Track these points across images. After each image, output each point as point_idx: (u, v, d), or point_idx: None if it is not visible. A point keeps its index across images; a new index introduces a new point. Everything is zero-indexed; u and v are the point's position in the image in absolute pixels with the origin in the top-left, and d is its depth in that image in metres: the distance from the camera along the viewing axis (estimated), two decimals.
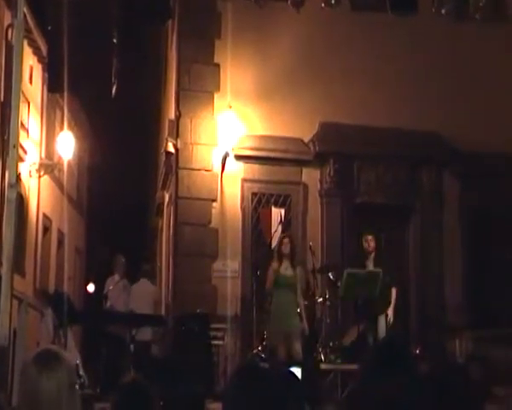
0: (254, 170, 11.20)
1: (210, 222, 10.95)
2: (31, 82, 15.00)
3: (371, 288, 8.70)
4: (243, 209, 11.08)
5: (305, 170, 11.32)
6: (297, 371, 6.25)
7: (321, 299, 9.52)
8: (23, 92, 10.82)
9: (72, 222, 19.62)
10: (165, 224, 13.73)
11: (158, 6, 9.01)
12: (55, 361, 2.55)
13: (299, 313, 8.88)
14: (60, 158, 15.54)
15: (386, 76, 11.42)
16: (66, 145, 14.78)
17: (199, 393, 7.90)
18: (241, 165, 11.14)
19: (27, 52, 14.04)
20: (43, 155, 15.95)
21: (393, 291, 9.09)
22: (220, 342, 9.59)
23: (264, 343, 9.22)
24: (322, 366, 8.82)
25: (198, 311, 9.60)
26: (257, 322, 9.51)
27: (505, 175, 11.42)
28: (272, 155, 11.13)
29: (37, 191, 15.65)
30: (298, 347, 8.56)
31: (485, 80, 11.62)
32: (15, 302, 9.69)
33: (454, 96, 11.56)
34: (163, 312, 12.43)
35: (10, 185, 4.48)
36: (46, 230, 16.93)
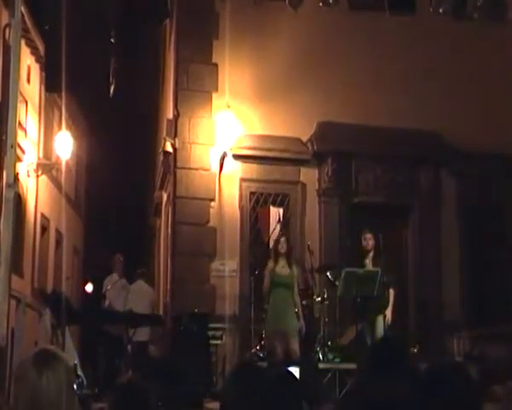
0: (252, 169, 11.20)
1: (208, 222, 10.95)
2: (28, 82, 14.99)
3: (370, 287, 8.70)
4: (241, 209, 11.08)
5: (303, 169, 11.32)
6: (295, 370, 6.25)
7: (319, 298, 9.53)
8: (21, 92, 10.81)
9: (70, 222, 19.60)
10: (164, 223, 13.73)
11: (156, 6, 9.00)
12: (53, 361, 2.55)
13: (297, 312, 8.87)
14: (58, 158, 15.53)
15: (385, 75, 11.42)
16: (64, 145, 14.77)
17: (197, 392, 7.91)
18: (239, 164, 11.14)
19: (25, 52, 14.03)
20: (41, 155, 15.95)
21: (392, 292, 9.09)
22: (218, 342, 9.59)
23: (262, 343, 9.22)
24: (321, 366, 8.83)
25: (196, 310, 9.60)
26: (255, 321, 9.51)
27: (503, 175, 11.44)
28: (270, 154, 11.13)
29: (35, 191, 15.64)
30: (295, 346, 8.56)
31: (483, 80, 11.63)
32: (13, 302, 9.70)
33: (452, 96, 11.56)
34: (161, 312, 12.43)
35: (8, 185, 4.48)
36: (44, 230, 16.92)
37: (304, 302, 9.29)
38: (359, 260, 9.27)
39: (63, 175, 16.98)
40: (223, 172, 11.02)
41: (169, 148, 11.50)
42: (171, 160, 11.44)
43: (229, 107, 10.93)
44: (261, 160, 11.16)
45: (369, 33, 11.40)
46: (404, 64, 11.50)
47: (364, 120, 11.11)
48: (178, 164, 11.13)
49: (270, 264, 8.93)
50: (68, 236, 18.76)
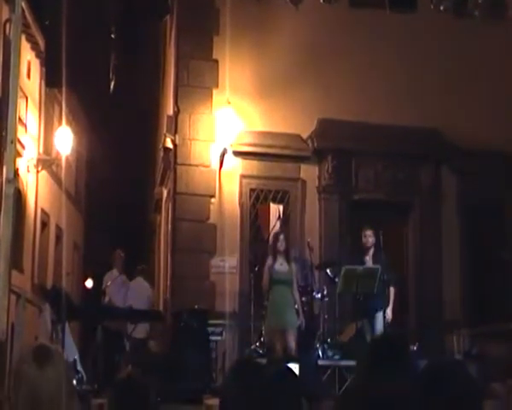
0: (253, 166, 11.20)
1: (208, 218, 10.94)
2: (29, 77, 14.98)
3: (369, 284, 8.70)
4: (241, 205, 11.07)
5: (303, 166, 11.32)
6: (294, 367, 6.25)
7: (319, 295, 9.53)
8: (21, 87, 10.80)
9: (71, 218, 19.61)
10: (164, 220, 13.73)
11: (156, 2, 8.99)
12: (52, 356, 2.55)
13: (297, 309, 8.88)
14: (58, 153, 15.52)
15: (385, 73, 11.41)
16: (65, 140, 14.76)
17: (197, 388, 7.92)
18: (239, 161, 11.13)
19: (25, 47, 14.02)
20: (41, 151, 15.94)
21: (392, 291, 9.10)
22: (218, 338, 9.59)
23: (261, 339, 9.23)
24: (320, 362, 8.84)
25: (196, 307, 9.60)
26: (255, 318, 9.52)
27: (503, 173, 11.43)
28: (271, 151, 11.12)
29: (35, 187, 15.64)
30: (292, 343, 8.56)
31: (484, 77, 11.62)
32: (13, 297, 9.70)
33: (453, 93, 11.55)
34: (161, 308, 12.43)
35: (8, 181, 4.47)
36: (44, 225, 16.92)
37: (303, 299, 9.29)
38: (359, 258, 9.28)
39: (63, 171, 16.97)
40: (223, 168, 11.01)
41: (169, 144, 11.49)
42: (172, 156, 11.44)
43: (229, 103, 10.92)
44: (261, 156, 11.15)
45: (370, 30, 11.38)
46: (404, 61, 11.49)
47: (365, 118, 11.10)
48: (178, 160, 11.13)
49: (269, 261, 8.93)
50: (68, 231, 18.77)
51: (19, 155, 13.16)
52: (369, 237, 9.24)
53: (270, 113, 11.23)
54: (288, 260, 8.95)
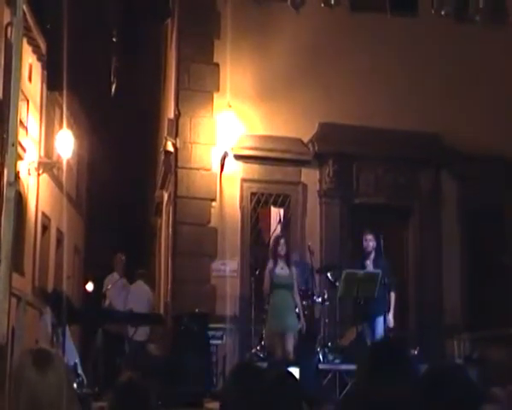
0: (253, 170, 11.20)
1: (209, 222, 10.94)
2: (30, 80, 15.00)
3: (370, 288, 8.70)
4: (242, 209, 11.07)
5: (304, 170, 11.32)
6: (295, 371, 6.25)
7: (320, 299, 9.52)
8: (22, 90, 10.81)
9: (72, 221, 19.62)
10: (165, 223, 13.73)
11: (157, 5, 9.01)
12: (52, 361, 2.55)
13: (297, 313, 8.87)
14: (59, 156, 15.53)
15: (386, 77, 11.42)
16: (66, 144, 14.76)
17: (197, 392, 7.91)
18: (240, 164, 11.14)
19: (27, 50, 14.03)
20: (42, 154, 15.95)
21: (392, 296, 9.09)
22: (219, 342, 9.58)
23: (262, 343, 9.22)
24: (321, 366, 8.83)
25: (197, 310, 9.60)
26: (255, 322, 9.51)
27: (503, 177, 11.43)
28: (271, 154, 11.12)
29: (36, 190, 15.64)
30: (290, 346, 8.56)
31: (485, 82, 11.63)
32: (14, 301, 9.70)
33: (454, 98, 11.56)
34: (161, 311, 12.43)
35: (9, 184, 4.47)
36: (45, 228, 16.93)
37: (304, 303, 9.29)
38: (360, 262, 9.27)
39: (64, 174, 16.98)
40: (224, 172, 11.01)
41: (170, 147, 11.50)
42: (172, 159, 11.44)
43: (230, 107, 10.93)
44: (262, 160, 11.16)
45: (371, 34, 11.39)
46: (406, 66, 11.50)
47: (366, 122, 11.11)
48: (179, 164, 11.13)
49: (270, 265, 8.93)
50: (69, 235, 18.77)
51: (20, 158, 13.18)
52: (369, 242, 9.23)
53: (271, 116, 11.23)
54: (289, 264, 8.95)
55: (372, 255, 9.26)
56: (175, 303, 10.78)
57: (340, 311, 9.58)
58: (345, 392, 8.01)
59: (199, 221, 10.90)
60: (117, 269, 11.65)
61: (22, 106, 13.21)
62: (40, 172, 15.54)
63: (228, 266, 10.76)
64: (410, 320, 11.31)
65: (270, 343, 8.86)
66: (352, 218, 11.17)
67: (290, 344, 8.57)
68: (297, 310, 8.88)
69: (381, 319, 8.86)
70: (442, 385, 2.50)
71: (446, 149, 11.38)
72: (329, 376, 8.60)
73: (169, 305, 11.47)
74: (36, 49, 15.00)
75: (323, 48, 11.38)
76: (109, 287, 11.26)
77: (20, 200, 13.29)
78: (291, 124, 11.18)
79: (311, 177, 11.32)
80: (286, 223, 10.95)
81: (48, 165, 15.86)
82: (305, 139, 11.27)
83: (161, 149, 12.84)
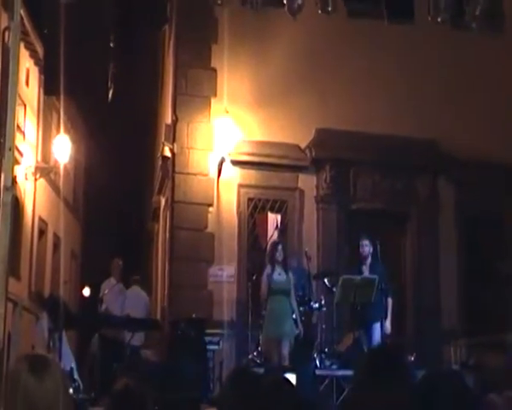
0: (251, 175, 11.20)
1: (206, 227, 10.94)
2: (27, 85, 15.00)
3: (367, 294, 8.70)
4: (239, 214, 11.07)
5: (301, 176, 11.32)
6: (292, 376, 6.24)
7: (317, 305, 9.52)
8: (19, 95, 10.81)
9: (68, 226, 19.59)
10: (162, 228, 13.72)
11: (155, 11, 9.01)
12: (49, 367, 2.54)
13: (295, 318, 8.87)
14: (56, 161, 15.52)
15: (383, 83, 11.44)
16: (63, 148, 14.76)
17: (194, 398, 7.90)
18: (237, 170, 11.14)
19: (24, 55, 14.05)
20: (39, 158, 15.94)
21: (389, 302, 9.09)
22: (216, 348, 9.56)
23: (259, 349, 9.21)
24: (318, 372, 8.81)
25: (193, 316, 9.59)
26: (252, 327, 9.50)
27: (501, 183, 11.45)
28: (269, 160, 11.13)
29: (33, 194, 15.63)
30: (285, 352, 8.56)
31: (482, 88, 11.66)
32: (10, 305, 9.69)
33: (451, 104, 11.58)
34: (158, 317, 12.41)
35: (6, 188, 4.47)
36: (42, 233, 16.90)
37: (301, 309, 9.28)
38: (357, 267, 9.28)
39: (61, 179, 16.97)
40: (221, 177, 11.02)
41: (167, 153, 11.50)
42: (170, 165, 11.44)
43: (227, 112, 10.94)
44: (259, 166, 11.16)
45: (368, 41, 11.41)
46: (402, 72, 11.52)
47: (363, 128, 11.12)
48: (177, 169, 11.13)
49: (268, 270, 8.93)
50: (66, 239, 18.74)
51: (17, 162, 13.17)
52: (365, 247, 9.25)
53: (268, 122, 11.24)
54: (287, 270, 8.95)
55: (368, 260, 9.27)
56: (172, 308, 10.76)
57: (337, 317, 9.57)
58: (342, 398, 8.00)
59: (196, 226, 10.89)
60: (114, 274, 11.63)
61: (19, 110, 13.19)
62: (37, 176, 15.53)
63: (225, 272, 10.75)
64: (408, 326, 11.31)
65: (267, 349, 8.85)
66: (349, 224, 11.18)
67: (286, 349, 8.57)
68: (294, 316, 8.87)
69: (377, 326, 8.87)
70: (439, 391, 2.50)
71: (443, 155, 11.40)
72: (326, 382, 8.58)
73: (166, 310, 11.45)
74: (33, 54, 15.01)
75: (321, 54, 11.40)
76: (106, 292, 11.23)
77: (16, 204, 13.27)
78: (288, 130, 11.19)
79: (308, 182, 11.33)
80: (283, 229, 10.95)
81: (45, 169, 15.85)
82: (303, 145, 11.28)
83: (158, 154, 12.83)
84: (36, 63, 15.31)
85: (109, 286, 11.37)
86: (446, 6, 9.24)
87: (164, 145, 11.65)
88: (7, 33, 12.22)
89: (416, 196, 11.54)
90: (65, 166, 16.24)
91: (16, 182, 13.05)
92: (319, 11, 9.44)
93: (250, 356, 9.31)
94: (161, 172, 12.61)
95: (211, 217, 10.96)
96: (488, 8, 9.30)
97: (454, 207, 11.61)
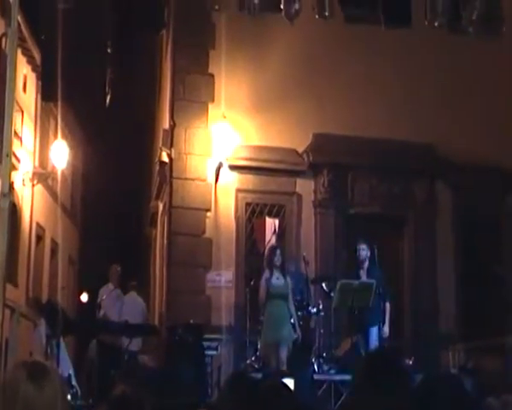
0: (248, 180, 11.21)
1: (204, 232, 10.94)
2: (24, 91, 15.00)
3: (365, 298, 8.70)
4: (237, 219, 11.07)
5: (299, 180, 11.33)
6: (289, 382, 6.24)
7: (315, 309, 9.51)
8: (17, 101, 10.82)
9: (66, 231, 19.57)
10: (159, 233, 13.71)
11: (152, 16, 9.03)
12: (48, 375, 2.53)
13: (293, 323, 8.86)
14: (53, 167, 15.51)
15: (381, 88, 11.46)
16: (60, 154, 14.75)
17: (192, 403, 7.88)
18: (235, 175, 11.15)
19: (21, 61, 14.06)
20: (36, 164, 15.94)
21: (387, 306, 9.10)
22: (214, 353, 9.56)
23: (257, 354, 9.20)
24: (316, 377, 8.80)
25: (191, 321, 9.58)
26: (250, 332, 9.49)
27: (498, 187, 11.46)
28: (266, 165, 11.14)
29: (31, 200, 15.62)
30: (283, 356, 8.56)
31: (479, 92, 11.68)
32: (8, 312, 9.66)
33: (448, 109, 11.60)
34: (156, 322, 12.39)
35: (3, 194, 4.46)
36: (39, 239, 16.88)
37: (299, 313, 9.28)
38: (355, 272, 9.28)
39: (59, 184, 16.95)
40: (219, 182, 11.02)
41: (165, 158, 11.50)
42: (167, 170, 11.44)
43: (225, 117, 10.95)
44: (257, 171, 11.17)
45: (365, 45, 11.44)
46: (399, 76, 11.55)
47: (361, 132, 11.14)
48: (174, 174, 11.13)
49: (266, 275, 8.93)
50: (64, 245, 18.72)
51: (14, 168, 13.17)
52: (362, 251, 9.26)
53: (265, 127, 11.26)
54: (285, 275, 8.96)
55: (365, 265, 9.27)
56: (170, 314, 10.75)
57: (335, 321, 9.57)
58: (340, 403, 7.99)
59: (194, 232, 10.89)
60: (112, 280, 11.62)
61: (17, 116, 13.20)
62: (35, 182, 15.53)
63: (223, 277, 10.74)
64: (405, 330, 11.31)
65: (265, 354, 8.84)
66: (347, 228, 11.18)
67: (284, 354, 8.57)
68: (292, 320, 8.87)
69: (375, 330, 8.86)
70: (437, 395, 2.50)
71: (441, 159, 11.41)
72: (324, 386, 8.58)
73: (163, 316, 11.44)
74: (30, 60, 15.01)
75: (318, 59, 11.42)
76: (104, 298, 11.22)
77: (14, 210, 13.27)
78: (286, 134, 11.20)
79: (305, 187, 11.34)
80: (281, 233, 10.95)
81: (42, 175, 15.85)
82: (300, 150, 11.29)
83: (156, 159, 12.84)
84: (33, 69, 15.31)
85: (107, 292, 11.35)
86: (443, 11, 9.26)
87: (161, 150, 11.66)
88: (4, 40, 12.23)
89: (414, 200, 11.55)
90: (62, 172, 16.22)
91: (14, 188, 13.05)
92: (316, 16, 9.47)
93: (248, 361, 9.30)
94: (159, 178, 12.61)
95: (209, 222, 10.96)
96: (485, 13, 9.33)
97: (451, 212, 11.62)
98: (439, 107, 11.58)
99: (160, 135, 12.37)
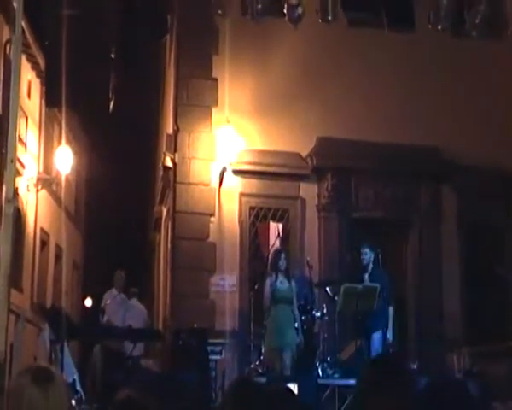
0: (252, 184, 11.21)
1: (208, 236, 10.94)
2: (29, 96, 15.04)
3: (369, 302, 8.68)
4: (241, 224, 11.07)
5: (302, 184, 11.33)
6: (293, 386, 6.23)
7: (319, 313, 9.50)
8: (21, 107, 10.85)
9: (70, 237, 19.60)
10: (163, 238, 13.72)
11: (156, 22, 9.05)
12: (53, 380, 2.53)
13: (296, 327, 8.86)
14: (58, 172, 15.55)
15: (384, 91, 11.45)
16: (64, 160, 14.79)
17: (196, 408, 7.87)
18: (238, 179, 11.15)
19: (26, 67, 14.09)
20: (40, 170, 15.98)
21: (390, 310, 9.08)
22: (218, 357, 9.54)
23: (261, 358, 9.19)
24: (320, 381, 8.79)
25: (195, 325, 9.57)
26: (254, 337, 9.48)
27: (503, 190, 11.44)
28: (270, 169, 11.14)
29: (35, 206, 15.65)
30: (287, 361, 8.55)
31: (483, 95, 11.66)
32: (12, 317, 9.68)
33: (452, 111, 11.59)
34: (160, 326, 12.39)
35: (8, 200, 4.47)
36: (44, 244, 16.91)
37: (303, 317, 9.27)
38: (359, 276, 9.26)
39: (63, 190, 16.99)
40: (222, 187, 11.02)
41: (169, 163, 11.51)
42: (171, 175, 11.45)
43: (228, 122, 10.95)
44: (261, 175, 11.17)
45: (369, 50, 11.44)
46: (403, 80, 11.54)
47: (365, 136, 11.13)
48: (178, 179, 11.14)
49: (271, 279, 8.92)
50: (68, 250, 18.75)
51: (19, 174, 13.18)
52: (366, 255, 9.25)
53: (269, 131, 11.26)
54: (289, 279, 8.95)
55: (369, 268, 9.26)
56: (174, 318, 10.75)
57: (340, 325, 9.55)
58: (344, 407, 7.97)
59: (198, 236, 10.89)
60: (116, 286, 11.62)
61: (21, 122, 13.24)
62: (39, 188, 15.56)
63: (227, 281, 10.74)
64: (410, 334, 11.27)
65: (270, 359, 8.83)
66: (351, 232, 11.16)
67: (288, 359, 8.56)
68: (296, 324, 8.86)
69: (378, 335, 8.84)
70: (442, 400, 2.49)
71: (445, 162, 11.39)
72: (328, 391, 8.56)
73: (168, 320, 11.44)
74: (35, 66, 15.06)
75: (321, 63, 11.42)
76: (108, 303, 11.23)
77: (18, 216, 13.30)
78: (289, 138, 11.20)
79: (309, 191, 11.33)
80: (284, 237, 10.94)
81: (47, 181, 15.89)
82: (304, 154, 11.28)
83: (160, 164, 12.85)
84: (37, 75, 15.36)
85: (111, 297, 11.36)
86: (446, 14, 9.27)
87: (165, 155, 11.67)
88: (8, 46, 12.27)
89: (418, 203, 11.53)
90: (66, 178, 16.27)
91: (18, 193, 13.08)
92: (319, 20, 9.49)
93: (252, 366, 9.29)
94: (163, 183, 12.62)
95: (212, 226, 10.96)
96: (488, 17, 9.33)
97: (456, 215, 11.59)
98: (444, 110, 11.56)
99: (164, 140, 12.38)
